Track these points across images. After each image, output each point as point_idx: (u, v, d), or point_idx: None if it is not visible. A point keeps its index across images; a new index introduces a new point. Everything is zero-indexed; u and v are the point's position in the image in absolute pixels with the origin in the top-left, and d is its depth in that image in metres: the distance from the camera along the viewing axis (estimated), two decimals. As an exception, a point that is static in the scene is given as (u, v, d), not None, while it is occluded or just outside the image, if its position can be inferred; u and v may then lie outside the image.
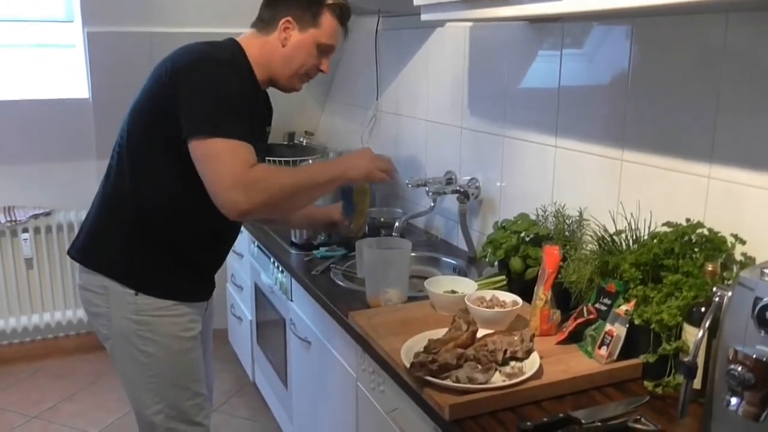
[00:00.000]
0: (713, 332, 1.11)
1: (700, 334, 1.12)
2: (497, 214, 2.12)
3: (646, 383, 1.33)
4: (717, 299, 1.11)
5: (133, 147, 1.61)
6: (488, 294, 1.65)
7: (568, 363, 1.38)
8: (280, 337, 2.47)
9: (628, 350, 1.37)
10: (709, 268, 1.29)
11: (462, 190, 2.21)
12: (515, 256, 1.77)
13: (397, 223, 2.24)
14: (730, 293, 1.08)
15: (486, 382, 1.28)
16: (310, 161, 2.79)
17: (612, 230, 1.56)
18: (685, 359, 1.19)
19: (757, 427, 1.03)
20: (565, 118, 1.83)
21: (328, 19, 1.69)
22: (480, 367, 1.32)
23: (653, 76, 1.54)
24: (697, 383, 1.21)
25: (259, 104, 1.74)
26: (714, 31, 1.38)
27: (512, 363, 1.35)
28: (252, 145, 1.51)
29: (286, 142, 3.45)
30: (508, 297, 1.63)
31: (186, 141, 1.50)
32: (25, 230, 3.30)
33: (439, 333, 1.45)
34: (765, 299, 1.01)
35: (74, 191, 3.31)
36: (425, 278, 1.80)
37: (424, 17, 1.79)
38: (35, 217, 3.30)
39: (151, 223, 1.62)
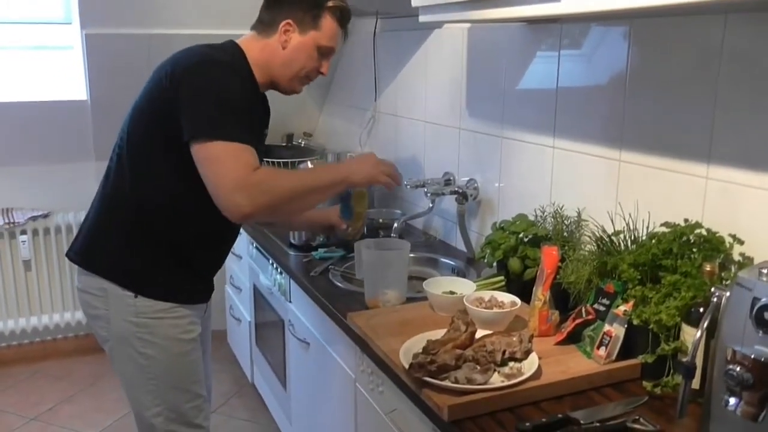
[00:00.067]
0: (711, 332, 1.11)
1: (699, 334, 1.12)
2: (496, 215, 2.12)
3: (644, 383, 1.33)
4: (715, 299, 1.11)
5: (133, 147, 1.61)
6: (487, 295, 1.65)
7: (566, 363, 1.38)
8: (279, 338, 2.47)
9: (627, 351, 1.37)
10: (708, 269, 1.29)
11: (460, 191, 2.21)
12: (514, 256, 1.77)
13: (395, 224, 2.24)
14: (728, 293, 1.08)
15: (485, 383, 1.28)
16: (309, 163, 2.79)
17: (610, 231, 1.56)
18: (684, 359, 1.19)
19: (756, 427, 1.04)
20: (564, 118, 1.83)
21: (328, 22, 1.69)
22: (479, 367, 1.32)
23: (651, 77, 1.55)
24: (695, 383, 1.21)
25: (258, 106, 1.74)
26: (712, 31, 1.38)
27: (511, 364, 1.35)
28: (253, 147, 1.51)
29: (284, 144, 3.44)
30: (506, 298, 1.63)
31: (188, 144, 1.50)
32: (24, 232, 3.30)
33: (438, 334, 1.45)
34: (763, 299, 1.01)
35: (72, 193, 3.31)
36: (424, 279, 1.80)
37: (422, 18, 1.79)
38: (33, 219, 3.30)
39: (151, 223, 1.62)
